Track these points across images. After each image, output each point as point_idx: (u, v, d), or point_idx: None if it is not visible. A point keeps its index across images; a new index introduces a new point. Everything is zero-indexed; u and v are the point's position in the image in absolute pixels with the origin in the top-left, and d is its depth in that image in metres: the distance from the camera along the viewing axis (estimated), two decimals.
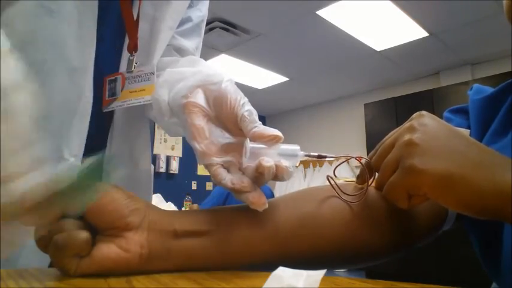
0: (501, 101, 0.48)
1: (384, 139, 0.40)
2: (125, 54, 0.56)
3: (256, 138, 0.35)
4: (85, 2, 0.50)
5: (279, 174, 0.34)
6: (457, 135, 0.36)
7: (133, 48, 0.56)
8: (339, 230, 0.39)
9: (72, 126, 0.50)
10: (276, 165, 0.34)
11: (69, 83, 0.49)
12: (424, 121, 0.36)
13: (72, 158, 0.49)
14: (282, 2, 3.00)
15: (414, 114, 0.38)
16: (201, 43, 0.69)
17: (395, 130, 0.39)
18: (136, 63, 0.55)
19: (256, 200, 0.34)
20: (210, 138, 0.38)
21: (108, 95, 0.56)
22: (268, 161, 0.33)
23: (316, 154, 0.38)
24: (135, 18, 0.56)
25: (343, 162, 0.43)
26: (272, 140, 0.35)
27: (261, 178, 0.34)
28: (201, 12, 0.68)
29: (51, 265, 0.40)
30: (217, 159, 0.37)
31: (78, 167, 0.41)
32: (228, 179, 0.36)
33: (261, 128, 0.36)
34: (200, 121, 0.39)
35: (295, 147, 0.36)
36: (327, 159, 0.38)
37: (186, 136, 0.41)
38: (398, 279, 0.28)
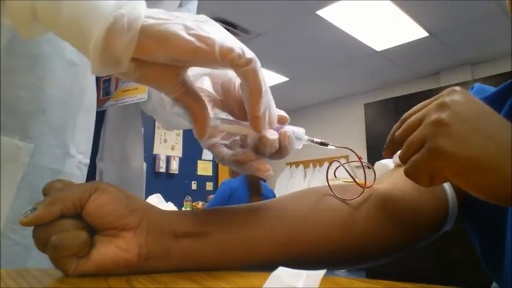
0: (502, 102, 0.47)
1: (411, 111, 0.38)
2: None
3: None
4: None
5: (282, 143, 0.34)
6: (490, 115, 0.34)
7: None
8: (338, 230, 0.38)
9: (77, 122, 0.49)
10: (281, 132, 0.34)
11: (70, 79, 0.48)
12: (456, 98, 0.34)
13: (80, 155, 0.49)
14: (282, 2, 3.00)
15: (446, 90, 0.36)
16: None
17: (423, 103, 0.37)
18: None
19: (262, 166, 0.34)
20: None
21: (102, 94, 0.56)
22: (273, 134, 0.34)
23: (320, 141, 0.38)
24: None
25: (343, 164, 0.43)
26: (280, 121, 0.36)
27: (261, 148, 0.34)
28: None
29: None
30: (219, 140, 0.38)
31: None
32: (230, 153, 0.36)
33: None
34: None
35: (301, 130, 0.37)
36: (328, 147, 0.39)
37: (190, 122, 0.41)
38: (398, 279, 0.28)
